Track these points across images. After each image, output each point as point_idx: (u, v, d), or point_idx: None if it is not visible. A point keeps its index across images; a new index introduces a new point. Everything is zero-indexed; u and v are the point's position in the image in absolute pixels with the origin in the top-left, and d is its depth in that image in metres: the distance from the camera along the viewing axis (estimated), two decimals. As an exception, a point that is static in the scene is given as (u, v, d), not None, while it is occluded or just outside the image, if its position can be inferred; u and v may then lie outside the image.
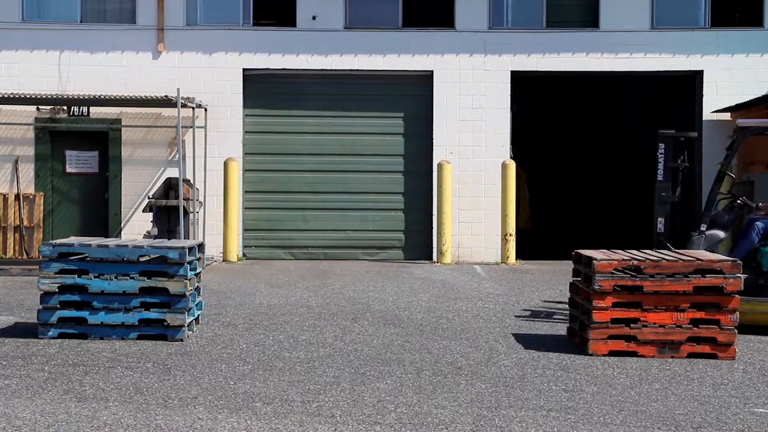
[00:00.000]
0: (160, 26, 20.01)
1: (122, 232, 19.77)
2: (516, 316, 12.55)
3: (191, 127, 19.65)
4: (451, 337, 10.94)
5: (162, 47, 19.98)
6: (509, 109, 20.09)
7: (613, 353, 9.99)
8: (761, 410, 7.94)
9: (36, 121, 19.94)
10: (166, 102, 18.46)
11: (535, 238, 22.28)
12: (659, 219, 12.12)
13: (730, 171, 12.31)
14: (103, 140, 20.08)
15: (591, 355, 9.99)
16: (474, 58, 20.07)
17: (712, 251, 11.65)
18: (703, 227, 11.98)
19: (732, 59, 20.04)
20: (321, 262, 19.74)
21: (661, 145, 12.37)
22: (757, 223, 11.89)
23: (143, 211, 18.99)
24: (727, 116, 20.07)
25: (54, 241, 10.74)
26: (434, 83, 20.06)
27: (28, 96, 18.45)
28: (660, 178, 12.27)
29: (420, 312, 12.81)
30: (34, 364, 9.11)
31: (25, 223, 19.69)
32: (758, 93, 19.50)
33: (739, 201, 12.36)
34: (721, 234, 12.09)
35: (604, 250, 10.91)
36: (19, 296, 13.88)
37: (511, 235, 19.19)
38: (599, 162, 26.13)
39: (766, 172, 18.58)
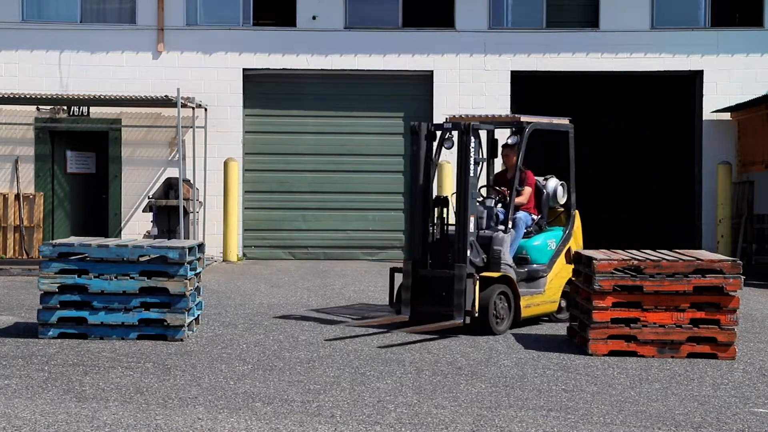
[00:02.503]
0: (160, 26, 20.01)
1: (122, 232, 19.77)
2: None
3: (191, 127, 19.65)
4: (452, 337, 10.95)
5: (162, 47, 19.98)
6: (509, 109, 20.07)
7: (613, 353, 9.99)
8: (761, 410, 7.94)
9: (36, 121, 19.94)
10: (166, 102, 18.46)
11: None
12: (470, 218, 11.11)
13: (522, 166, 11.90)
14: (103, 140, 20.08)
15: (591, 355, 9.99)
16: (474, 58, 20.07)
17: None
18: (510, 224, 11.74)
19: (732, 59, 20.05)
20: (321, 262, 19.74)
21: (474, 140, 11.20)
22: (518, 215, 11.89)
23: (143, 211, 19.00)
24: (727, 116, 20.07)
25: (54, 241, 10.74)
26: (434, 83, 20.06)
27: (28, 96, 18.45)
28: (472, 174, 11.15)
29: (420, 312, 12.79)
30: (34, 364, 9.10)
31: (25, 223, 19.70)
32: (758, 93, 19.50)
33: (499, 194, 12.01)
34: (511, 232, 11.86)
35: (604, 250, 10.91)
36: (19, 296, 13.88)
37: (511, 235, 19.18)
38: (598, 162, 26.10)
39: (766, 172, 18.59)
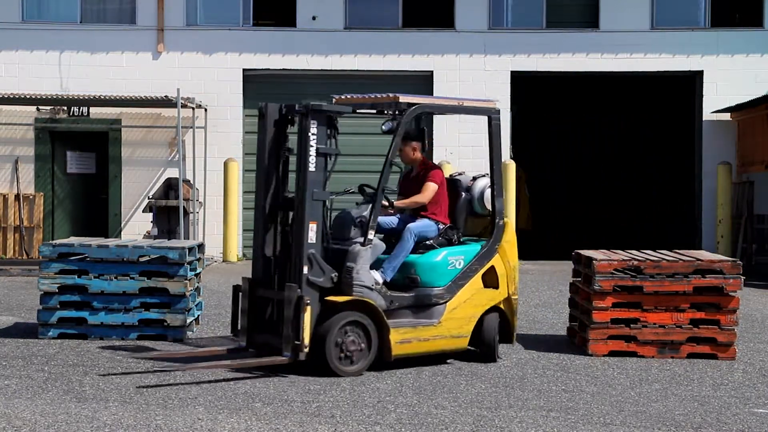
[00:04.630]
0: (160, 26, 20.01)
1: (122, 233, 19.77)
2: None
3: (191, 128, 19.65)
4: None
5: (162, 47, 19.98)
6: (509, 109, 20.08)
7: (613, 353, 9.99)
8: (761, 410, 7.94)
9: (36, 121, 19.94)
10: (166, 102, 18.46)
11: (535, 238, 22.27)
12: (311, 226, 8.88)
13: (393, 159, 9.39)
14: (103, 140, 20.08)
15: (591, 355, 9.99)
16: (474, 58, 20.07)
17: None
18: (371, 234, 9.16)
19: (732, 59, 20.04)
20: (321, 262, 19.73)
21: (313, 122, 8.96)
22: (411, 226, 9.48)
23: (143, 212, 18.99)
24: (727, 116, 20.07)
25: (54, 242, 10.75)
26: (434, 83, 20.06)
27: (28, 96, 18.46)
28: (312, 168, 8.93)
29: (420, 312, 12.78)
30: (34, 364, 9.10)
31: (25, 223, 19.70)
32: (758, 93, 19.49)
33: (388, 201, 9.62)
34: (382, 243, 9.42)
35: (604, 251, 10.92)
36: (19, 296, 13.88)
37: (511, 235, 19.16)
38: (598, 162, 26.11)
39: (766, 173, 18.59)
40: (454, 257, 9.56)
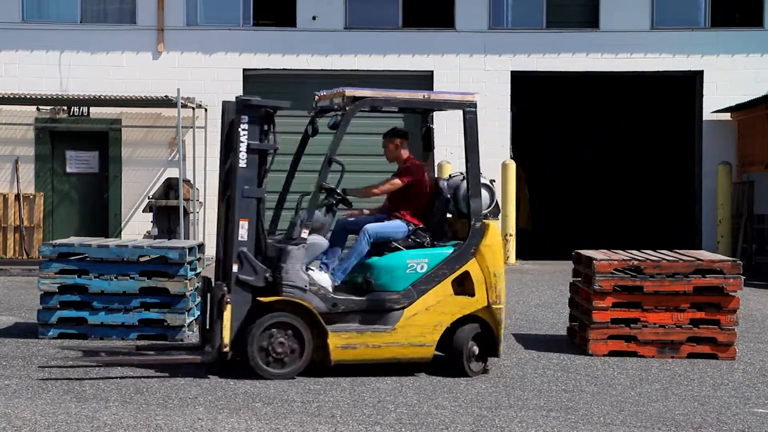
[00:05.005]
0: (160, 26, 20.01)
1: (122, 233, 19.77)
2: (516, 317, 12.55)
3: (191, 128, 19.65)
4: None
5: (162, 47, 19.98)
6: (509, 109, 20.08)
7: (613, 353, 9.99)
8: (761, 410, 7.94)
9: (36, 121, 19.94)
10: (166, 102, 18.46)
11: (535, 238, 22.29)
12: (242, 223, 8.79)
13: (334, 156, 9.17)
14: (103, 140, 20.08)
15: (591, 355, 9.99)
16: (474, 58, 20.07)
17: (307, 264, 8.99)
18: (305, 233, 8.90)
19: (732, 59, 20.04)
20: (321, 262, 19.72)
21: (244, 118, 8.83)
22: (368, 227, 9.13)
23: (143, 212, 18.99)
24: (727, 116, 20.07)
25: (54, 242, 10.74)
26: (434, 83, 20.06)
27: (28, 96, 18.46)
28: (242, 164, 8.83)
29: (420, 312, 12.78)
30: (34, 364, 9.10)
31: (25, 223, 19.70)
32: (758, 93, 19.50)
33: (337, 197, 9.32)
34: (323, 242, 9.17)
35: (605, 251, 10.92)
36: (19, 296, 13.88)
37: (511, 235, 19.19)
38: (599, 162, 26.12)
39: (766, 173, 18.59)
40: (415, 260, 8.99)
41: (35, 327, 10.62)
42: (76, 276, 10.36)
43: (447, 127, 19.98)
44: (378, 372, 8.94)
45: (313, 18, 20.12)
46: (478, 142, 9.43)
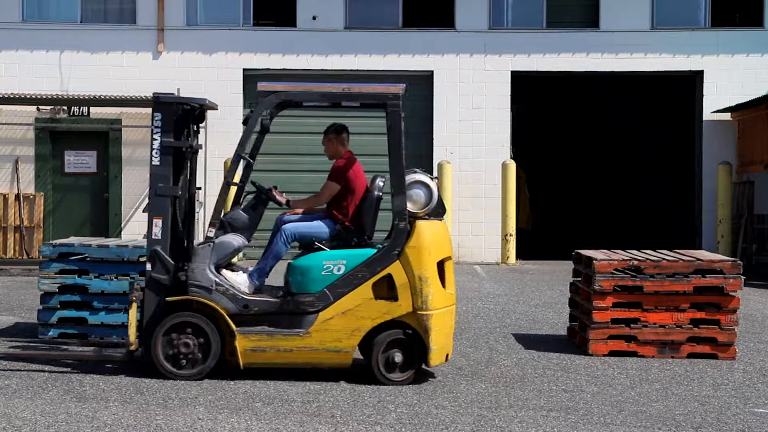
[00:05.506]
0: (160, 26, 20.01)
1: (122, 233, 19.76)
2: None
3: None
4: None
5: (162, 47, 19.98)
6: (509, 109, 20.08)
7: (613, 353, 9.99)
8: (761, 410, 7.94)
9: (36, 121, 19.93)
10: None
11: (535, 238, 22.29)
12: (155, 221, 8.67)
13: (246, 154, 8.98)
14: (103, 140, 20.08)
15: (591, 355, 9.99)
16: (474, 58, 20.06)
17: (226, 264, 8.86)
18: (211, 232, 8.77)
19: (732, 59, 20.03)
20: (321, 262, 19.71)
21: (157, 115, 8.72)
22: (286, 227, 8.93)
23: (143, 212, 18.97)
24: (727, 116, 20.07)
25: (54, 242, 10.73)
26: (434, 83, 20.06)
27: (28, 96, 18.44)
28: (156, 161, 8.69)
29: (420, 312, 12.77)
30: (34, 365, 9.10)
31: (25, 223, 19.69)
32: (758, 93, 19.49)
33: (264, 195, 9.15)
34: (237, 241, 8.85)
35: (605, 251, 10.92)
36: (19, 296, 13.88)
37: (511, 235, 19.20)
38: (599, 162, 26.13)
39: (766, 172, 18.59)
40: (332, 262, 8.61)
41: (35, 327, 10.62)
42: (76, 276, 10.35)
43: (447, 128, 19.99)
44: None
45: (313, 18, 20.12)
46: (402, 137, 8.89)
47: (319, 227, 8.91)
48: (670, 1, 20.27)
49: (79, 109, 19.98)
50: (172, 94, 10.13)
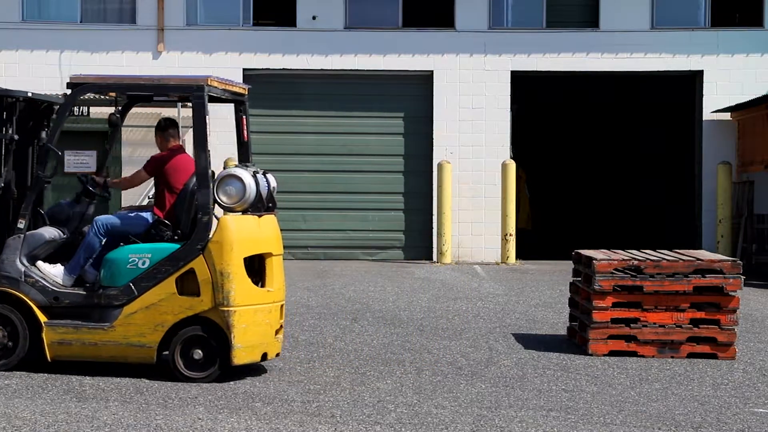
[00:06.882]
0: (160, 26, 20.01)
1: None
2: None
3: (191, 127, 19.61)
4: (451, 337, 10.94)
5: (162, 47, 19.98)
6: (509, 109, 20.08)
7: (613, 353, 9.99)
8: (761, 410, 7.94)
9: (36, 121, 19.92)
10: (167, 102, 18.42)
11: (535, 238, 22.29)
12: None
13: (51, 144, 8.82)
14: (104, 140, 20.05)
15: (591, 355, 9.99)
16: (474, 58, 20.06)
17: (35, 255, 8.72)
18: (21, 224, 8.66)
19: (732, 59, 20.04)
20: (321, 262, 19.73)
21: None
22: (98, 219, 8.84)
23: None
24: (727, 116, 20.07)
25: (54, 241, 10.70)
26: (434, 83, 20.06)
27: (28, 96, 18.41)
28: None
29: (420, 312, 12.81)
30: (34, 365, 9.09)
31: (25, 223, 19.69)
32: (758, 93, 19.49)
33: (86, 185, 9.13)
34: (48, 233, 8.80)
35: (604, 250, 10.92)
36: (19, 296, 13.86)
37: (511, 235, 19.19)
38: (599, 162, 26.12)
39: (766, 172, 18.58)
40: (137, 255, 8.51)
41: (35, 327, 10.59)
42: (76, 276, 10.32)
43: (447, 128, 20.00)
44: (378, 371, 8.95)
45: (313, 18, 20.11)
46: (206, 131, 8.90)
47: (134, 221, 8.85)
48: (670, 1, 20.28)
49: (79, 109, 19.97)
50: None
